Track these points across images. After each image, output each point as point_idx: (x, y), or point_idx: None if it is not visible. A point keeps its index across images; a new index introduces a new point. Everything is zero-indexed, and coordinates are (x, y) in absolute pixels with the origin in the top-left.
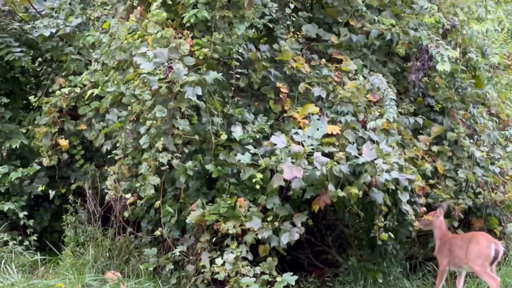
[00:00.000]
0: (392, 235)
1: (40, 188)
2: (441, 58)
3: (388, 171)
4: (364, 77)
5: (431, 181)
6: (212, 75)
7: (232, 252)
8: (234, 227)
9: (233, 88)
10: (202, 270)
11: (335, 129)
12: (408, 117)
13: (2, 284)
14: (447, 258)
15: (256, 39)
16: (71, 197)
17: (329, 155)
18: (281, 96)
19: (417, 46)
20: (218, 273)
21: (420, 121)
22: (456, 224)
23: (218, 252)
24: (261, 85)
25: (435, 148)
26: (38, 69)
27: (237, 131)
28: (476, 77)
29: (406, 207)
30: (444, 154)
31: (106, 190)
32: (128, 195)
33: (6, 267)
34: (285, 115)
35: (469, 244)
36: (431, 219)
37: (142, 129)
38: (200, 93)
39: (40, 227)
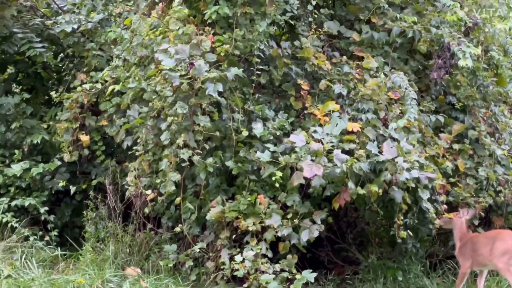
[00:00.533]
0: (411, 233)
1: (61, 184)
2: (463, 54)
3: (408, 170)
4: (385, 75)
5: (452, 179)
6: (233, 72)
7: (251, 249)
8: (254, 224)
9: (254, 85)
10: (222, 267)
11: (355, 126)
12: (429, 115)
13: (22, 279)
14: (469, 260)
15: (278, 36)
16: (91, 193)
17: (349, 153)
18: (302, 93)
19: (439, 44)
20: (237, 270)
21: (442, 119)
22: (476, 222)
23: (238, 249)
24: (282, 82)
25: (456, 146)
26: (59, 65)
27: (258, 128)
28: (498, 75)
29: (427, 205)
30: (465, 152)
31: (126, 186)
32: (149, 191)
33: (26, 262)
34: (305, 112)
35: (495, 241)
36: (451, 217)
37: (163, 125)
38: (221, 89)
39: (61, 223)
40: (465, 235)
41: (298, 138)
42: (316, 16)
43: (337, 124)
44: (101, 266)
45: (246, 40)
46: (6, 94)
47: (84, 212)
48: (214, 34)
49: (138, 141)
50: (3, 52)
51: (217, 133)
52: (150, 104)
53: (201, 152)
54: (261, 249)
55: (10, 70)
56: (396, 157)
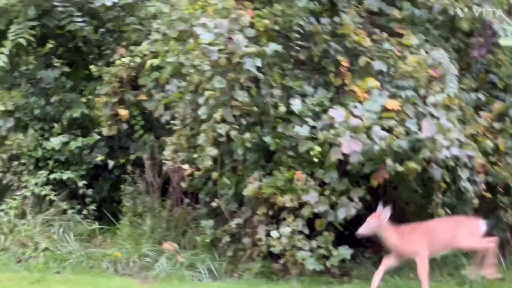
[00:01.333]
0: (449, 212)
1: (99, 158)
2: (505, 33)
3: (448, 147)
4: (426, 52)
5: (492, 159)
6: (272, 47)
7: (288, 226)
8: (291, 200)
9: (293, 61)
10: (258, 243)
11: (395, 105)
12: (470, 93)
13: (60, 252)
14: (426, 248)
15: (318, 13)
16: (130, 167)
17: (389, 130)
18: (341, 69)
19: (481, 22)
20: (274, 246)
21: (483, 97)
22: None
23: (275, 225)
24: (321, 58)
25: (496, 125)
26: (100, 39)
27: (296, 104)
28: None
29: (465, 185)
30: (505, 131)
31: (164, 161)
32: (186, 166)
33: (64, 235)
34: (345, 88)
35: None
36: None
37: (201, 100)
38: (259, 64)
39: (99, 197)
40: (396, 230)
41: (337, 113)
42: None
43: (376, 101)
44: (138, 241)
45: (285, 15)
46: (46, 68)
47: (122, 186)
48: (253, 9)
49: (176, 115)
50: (43, 26)
51: (255, 108)
52: (188, 78)
53: (238, 127)
54: (297, 225)
55: (51, 44)
56: (435, 135)
